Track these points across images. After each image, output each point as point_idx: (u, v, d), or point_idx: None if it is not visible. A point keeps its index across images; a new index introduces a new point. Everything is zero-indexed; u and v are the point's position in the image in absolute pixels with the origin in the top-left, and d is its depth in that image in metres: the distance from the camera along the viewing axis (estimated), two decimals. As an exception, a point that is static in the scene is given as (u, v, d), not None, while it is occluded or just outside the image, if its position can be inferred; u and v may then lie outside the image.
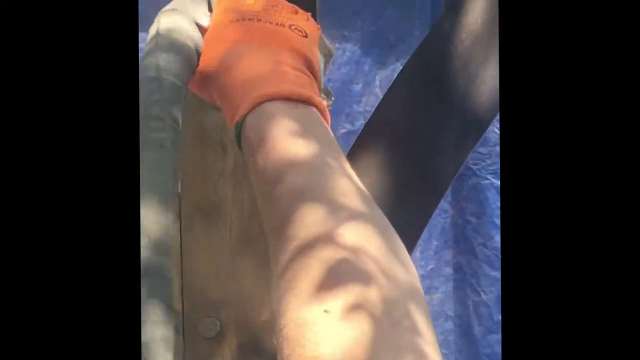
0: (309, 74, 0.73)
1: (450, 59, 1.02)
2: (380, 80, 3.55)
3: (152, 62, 0.67)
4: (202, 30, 0.73)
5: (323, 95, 0.77)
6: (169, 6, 0.73)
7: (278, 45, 0.72)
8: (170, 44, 0.69)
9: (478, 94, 1.04)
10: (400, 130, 1.04)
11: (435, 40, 1.04)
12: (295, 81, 0.70)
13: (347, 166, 0.64)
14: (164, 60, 0.68)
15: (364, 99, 2.85)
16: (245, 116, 0.67)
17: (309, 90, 0.70)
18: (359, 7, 2.95)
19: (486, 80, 1.04)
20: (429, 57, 1.05)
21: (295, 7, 0.77)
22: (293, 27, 0.74)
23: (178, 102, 0.67)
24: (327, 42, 0.78)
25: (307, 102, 0.68)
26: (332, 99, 0.81)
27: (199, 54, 0.73)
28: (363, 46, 2.99)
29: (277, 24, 0.73)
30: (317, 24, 0.79)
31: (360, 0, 2.80)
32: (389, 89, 1.09)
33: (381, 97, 1.09)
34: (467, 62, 1.03)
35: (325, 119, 0.70)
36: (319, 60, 0.75)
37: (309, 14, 0.77)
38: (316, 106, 0.69)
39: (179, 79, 0.68)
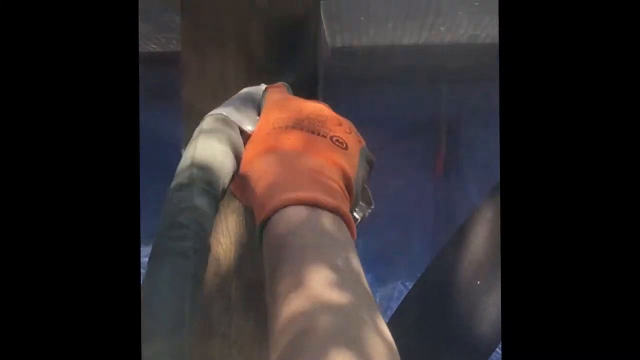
0: (342, 185, 0.74)
1: (452, 289, 1.04)
2: (380, 298, 3.58)
3: (185, 174, 0.71)
4: (245, 135, 0.77)
5: (362, 204, 0.80)
6: (216, 110, 0.79)
7: (316, 155, 0.75)
8: (204, 172, 0.72)
9: (480, 323, 1.05)
10: (404, 357, 1.04)
11: (437, 271, 1.07)
12: (325, 189, 0.72)
13: (357, 271, 0.65)
14: (197, 171, 0.71)
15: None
16: (268, 218, 0.69)
17: (337, 200, 0.71)
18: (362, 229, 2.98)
19: (488, 309, 1.05)
20: (431, 287, 1.07)
21: (340, 118, 0.80)
22: (334, 139, 0.77)
23: (209, 210, 0.70)
24: (369, 154, 0.80)
25: (333, 210, 0.70)
26: (372, 206, 0.82)
27: (239, 160, 0.76)
28: (364, 264, 3.02)
29: (319, 134, 0.76)
30: (360, 136, 0.82)
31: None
32: (393, 316, 1.10)
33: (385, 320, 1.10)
34: (469, 293, 1.04)
35: (351, 230, 0.71)
36: (356, 173, 0.77)
37: (352, 126, 0.80)
38: (342, 216, 0.71)
39: (212, 188, 0.72)
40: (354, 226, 0.71)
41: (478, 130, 3.65)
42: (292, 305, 0.61)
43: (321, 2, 1.27)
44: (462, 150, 3.78)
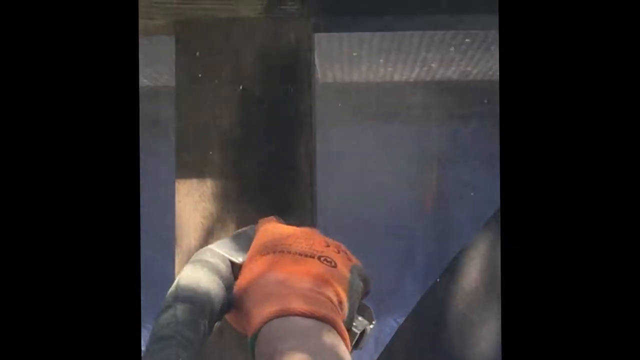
0: (334, 300, 0.78)
1: (444, 322, 1.04)
2: (374, 337, 3.57)
3: (169, 299, 0.75)
4: (237, 267, 0.84)
5: (359, 318, 0.82)
6: (211, 246, 0.85)
7: (303, 274, 0.79)
8: (188, 295, 0.77)
9: (473, 356, 1.05)
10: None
11: (429, 304, 1.07)
12: (313, 301, 0.76)
13: None
14: (181, 294, 0.76)
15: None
16: (258, 330, 0.74)
17: (327, 309, 0.75)
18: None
19: (481, 342, 1.05)
20: (423, 320, 1.07)
21: (328, 240, 0.85)
22: (322, 258, 0.81)
23: (192, 325, 0.73)
24: (363, 272, 0.84)
25: (323, 319, 0.74)
26: (374, 321, 0.85)
27: (229, 288, 0.82)
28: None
29: (305, 255, 0.81)
30: (354, 258, 0.86)
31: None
32: (383, 351, 1.10)
33: (375, 355, 1.10)
34: (462, 325, 1.04)
35: (343, 338, 0.75)
36: (347, 289, 0.80)
37: (341, 245, 0.85)
38: (333, 325, 0.75)
39: (196, 308, 0.75)
40: (347, 335, 0.76)
41: (469, 168, 3.67)
42: None
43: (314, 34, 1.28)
44: (452, 187, 3.79)
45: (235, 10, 1.27)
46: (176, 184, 1.26)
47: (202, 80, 1.26)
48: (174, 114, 1.28)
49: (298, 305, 0.74)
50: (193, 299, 0.78)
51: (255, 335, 0.75)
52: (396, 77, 3.52)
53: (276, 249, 0.83)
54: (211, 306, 0.80)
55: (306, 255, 0.81)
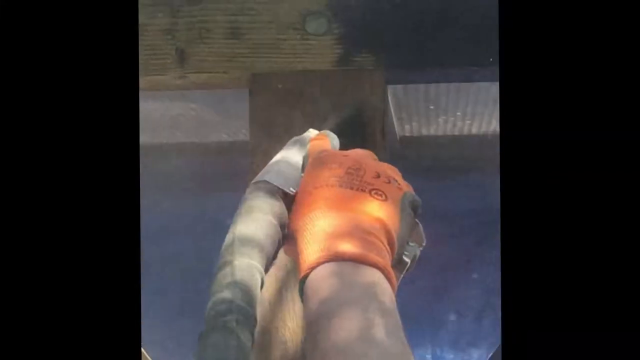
0: (383, 239, 0.76)
1: None
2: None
3: (228, 251, 0.73)
4: (290, 197, 0.82)
5: (411, 244, 0.80)
6: (258, 177, 0.83)
7: (353, 211, 0.77)
8: (246, 247, 0.75)
9: None
10: None
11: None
12: (364, 245, 0.74)
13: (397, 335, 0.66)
14: (239, 246, 0.74)
15: None
16: (307, 275, 0.73)
17: (377, 254, 0.73)
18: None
19: None
20: None
21: (379, 168, 0.82)
22: (373, 192, 0.79)
23: (251, 284, 0.72)
24: (414, 198, 0.81)
25: (372, 265, 0.72)
26: (424, 243, 0.83)
27: (283, 225, 0.80)
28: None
29: (357, 189, 0.79)
30: (404, 184, 0.83)
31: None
32: None
33: None
34: None
35: (391, 283, 0.73)
36: (398, 223, 0.78)
37: (392, 173, 0.82)
38: (381, 269, 0.72)
39: (255, 260, 0.74)
40: (394, 280, 0.74)
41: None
42: None
43: (388, 86, 1.28)
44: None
45: (309, 63, 1.28)
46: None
47: (275, 133, 1.27)
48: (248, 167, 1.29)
49: (347, 249, 0.73)
50: (252, 250, 0.77)
51: (304, 280, 0.74)
52: (474, 130, 3.50)
53: (328, 182, 0.81)
54: (269, 253, 0.80)
55: (357, 189, 0.79)
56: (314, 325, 0.69)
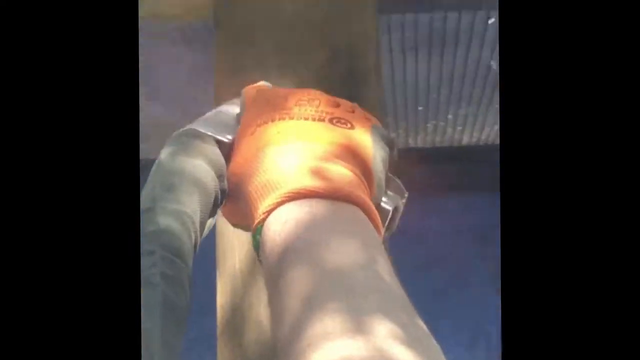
0: (357, 170, 0.61)
1: None
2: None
3: (148, 197, 0.64)
4: (226, 146, 0.68)
5: (390, 193, 0.66)
6: (189, 126, 0.68)
7: (314, 141, 0.63)
8: (169, 191, 0.65)
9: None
10: None
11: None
12: (330, 176, 0.59)
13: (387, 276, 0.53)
14: (160, 190, 0.64)
15: None
16: (262, 222, 0.57)
17: (348, 185, 0.58)
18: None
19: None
20: None
21: (338, 99, 0.66)
22: (335, 120, 0.64)
23: (175, 232, 0.62)
24: (386, 134, 0.66)
25: (346, 199, 0.57)
26: (406, 194, 0.68)
27: (220, 175, 0.67)
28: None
29: (313, 119, 0.64)
30: (370, 115, 0.67)
31: None
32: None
33: None
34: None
35: (372, 219, 0.59)
36: (372, 154, 0.64)
37: (355, 104, 0.67)
38: (359, 203, 0.58)
39: (182, 205, 0.64)
40: (378, 217, 0.59)
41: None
42: (302, 326, 0.49)
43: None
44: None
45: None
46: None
47: (243, 77, 1.06)
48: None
49: (312, 182, 0.57)
50: (176, 194, 0.65)
51: (259, 229, 0.58)
52: (465, 139, 3.29)
53: (274, 117, 0.65)
54: (203, 202, 0.66)
55: (313, 120, 0.64)
56: (280, 283, 0.55)
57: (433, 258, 3.43)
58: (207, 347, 1.85)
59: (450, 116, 2.79)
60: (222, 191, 0.66)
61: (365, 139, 0.64)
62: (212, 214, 0.66)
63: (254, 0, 1.05)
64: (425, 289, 3.30)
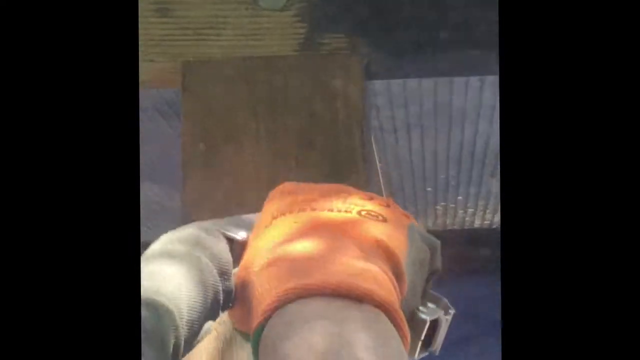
0: (384, 266, 0.51)
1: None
2: None
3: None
4: (239, 245, 0.59)
5: (430, 305, 0.58)
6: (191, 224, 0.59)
7: (337, 233, 0.53)
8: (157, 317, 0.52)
9: None
10: None
11: None
12: (351, 273, 0.48)
13: None
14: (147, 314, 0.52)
15: None
16: (264, 321, 0.48)
17: (372, 284, 0.48)
18: None
19: None
20: None
21: (371, 194, 0.59)
22: (364, 213, 0.55)
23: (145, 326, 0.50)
24: (428, 236, 0.59)
25: (365, 299, 0.47)
26: (451, 310, 0.59)
27: (227, 277, 0.57)
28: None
29: (339, 210, 0.55)
30: (408, 214, 0.60)
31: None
32: None
33: None
34: None
35: (397, 326, 0.48)
36: (406, 251, 0.54)
37: (391, 199, 0.59)
38: (383, 306, 0.47)
39: (163, 299, 0.52)
40: (404, 323, 0.49)
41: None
42: None
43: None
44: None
45: (263, 47, 0.98)
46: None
47: (214, 144, 0.96)
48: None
49: (325, 278, 0.47)
50: (155, 289, 0.53)
51: (261, 329, 0.48)
52: (477, 222, 3.17)
53: (293, 208, 0.56)
54: (191, 301, 0.53)
55: (339, 211, 0.55)
56: None
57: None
58: None
59: (460, 197, 2.68)
60: (227, 292, 0.56)
61: (399, 235, 0.55)
62: (213, 316, 0.56)
63: (223, 67, 0.96)
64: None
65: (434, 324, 0.58)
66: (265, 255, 0.52)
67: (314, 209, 0.55)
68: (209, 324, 0.56)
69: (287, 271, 0.49)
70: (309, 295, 0.46)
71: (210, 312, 0.54)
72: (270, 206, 0.58)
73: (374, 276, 0.49)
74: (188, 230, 0.57)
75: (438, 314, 0.57)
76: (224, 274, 0.55)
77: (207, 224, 0.58)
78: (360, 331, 0.45)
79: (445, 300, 0.59)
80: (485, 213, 2.92)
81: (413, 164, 2.42)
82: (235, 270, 0.58)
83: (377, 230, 0.53)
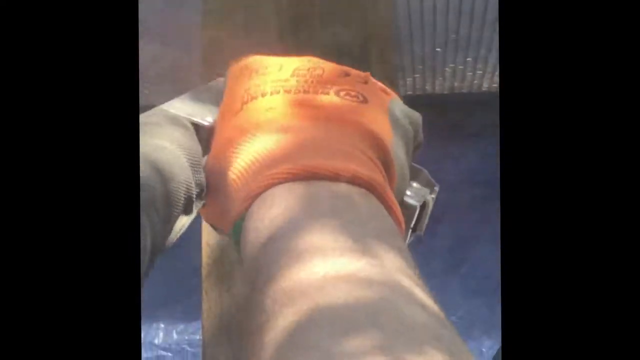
0: (372, 154, 0.48)
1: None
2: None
3: None
4: (205, 130, 0.55)
5: (416, 185, 0.55)
6: (158, 107, 0.56)
7: (316, 120, 0.50)
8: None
9: None
10: None
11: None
12: (335, 155, 0.46)
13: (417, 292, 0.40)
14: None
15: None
16: (245, 208, 0.45)
17: (359, 165, 0.46)
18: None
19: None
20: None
21: (346, 68, 0.54)
22: (342, 93, 0.51)
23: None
24: (409, 111, 0.54)
25: (353, 180, 0.44)
26: (436, 188, 0.56)
27: (197, 167, 0.54)
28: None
29: (315, 92, 0.51)
30: (388, 89, 0.55)
31: None
32: None
33: None
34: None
35: (394, 213, 0.46)
36: (390, 133, 0.51)
37: (368, 73, 0.54)
38: (371, 187, 0.45)
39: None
40: (399, 210, 0.47)
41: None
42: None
43: None
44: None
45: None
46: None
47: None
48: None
49: (311, 161, 0.45)
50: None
51: (240, 220, 0.46)
52: (486, 84, 3.13)
53: (265, 90, 0.52)
54: (162, 197, 0.51)
55: (315, 92, 0.51)
56: (260, 281, 0.42)
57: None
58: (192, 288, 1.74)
59: (469, 59, 2.64)
60: (199, 184, 0.53)
61: (382, 117, 0.51)
62: (187, 211, 0.53)
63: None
64: (444, 238, 3.21)
65: (422, 207, 0.56)
66: (240, 147, 0.50)
67: (287, 91, 0.52)
68: (185, 220, 0.54)
69: (267, 159, 0.47)
70: (293, 179, 0.45)
71: (184, 207, 0.53)
72: (236, 85, 0.55)
73: (363, 161, 0.47)
74: (153, 119, 0.54)
75: (425, 195, 0.55)
76: (194, 165, 0.53)
77: (172, 111, 0.56)
78: (350, 209, 0.44)
79: (426, 171, 0.57)
80: (493, 75, 2.89)
81: (424, 20, 2.36)
82: (204, 160, 0.55)
83: (359, 115, 0.50)
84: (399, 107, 0.54)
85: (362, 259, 0.39)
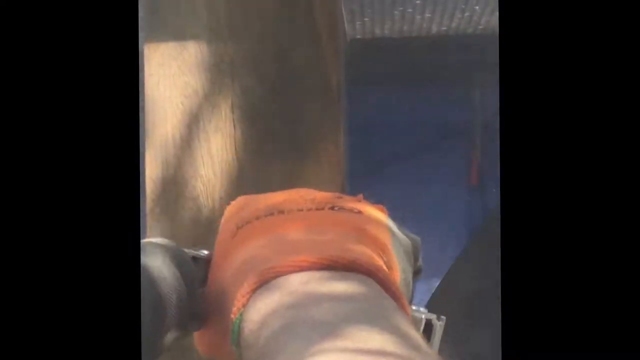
0: (367, 251, 0.49)
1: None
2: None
3: None
4: (202, 262, 0.56)
5: (421, 309, 0.54)
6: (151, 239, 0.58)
7: (313, 227, 0.51)
8: None
9: None
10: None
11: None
12: (329, 247, 0.48)
13: None
14: None
15: None
16: (244, 306, 0.45)
17: (358, 255, 0.47)
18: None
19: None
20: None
21: (339, 194, 0.57)
22: (337, 208, 0.53)
23: None
24: (407, 232, 0.56)
25: (352, 268, 0.45)
26: (442, 317, 0.56)
27: (192, 296, 0.55)
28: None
29: (309, 209, 0.53)
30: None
31: None
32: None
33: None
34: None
35: (392, 292, 0.45)
36: (388, 236, 0.53)
37: (361, 196, 0.57)
38: (372, 273, 0.45)
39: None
40: (398, 289, 0.47)
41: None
42: None
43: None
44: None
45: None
46: (145, 49, 0.93)
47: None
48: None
49: (307, 254, 0.46)
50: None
51: (240, 317, 0.45)
52: (434, 29, 3.12)
53: (259, 214, 0.54)
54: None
55: (310, 210, 0.53)
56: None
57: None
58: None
59: (418, 2, 2.64)
60: (192, 312, 0.54)
61: (377, 224, 0.53)
62: (181, 335, 0.55)
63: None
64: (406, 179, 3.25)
65: (429, 328, 0.55)
66: (236, 260, 0.51)
67: (281, 212, 0.53)
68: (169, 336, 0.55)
69: (264, 257, 0.48)
70: (295, 270, 0.45)
71: (181, 333, 0.55)
72: (232, 217, 0.56)
73: (360, 249, 0.49)
74: (155, 251, 0.56)
75: (431, 316, 0.55)
76: (191, 294, 0.55)
77: (165, 242, 0.57)
78: (353, 295, 0.45)
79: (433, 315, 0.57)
80: (442, 19, 2.90)
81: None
82: (201, 290, 0.56)
83: (357, 222, 0.52)
84: (394, 223, 0.55)
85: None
